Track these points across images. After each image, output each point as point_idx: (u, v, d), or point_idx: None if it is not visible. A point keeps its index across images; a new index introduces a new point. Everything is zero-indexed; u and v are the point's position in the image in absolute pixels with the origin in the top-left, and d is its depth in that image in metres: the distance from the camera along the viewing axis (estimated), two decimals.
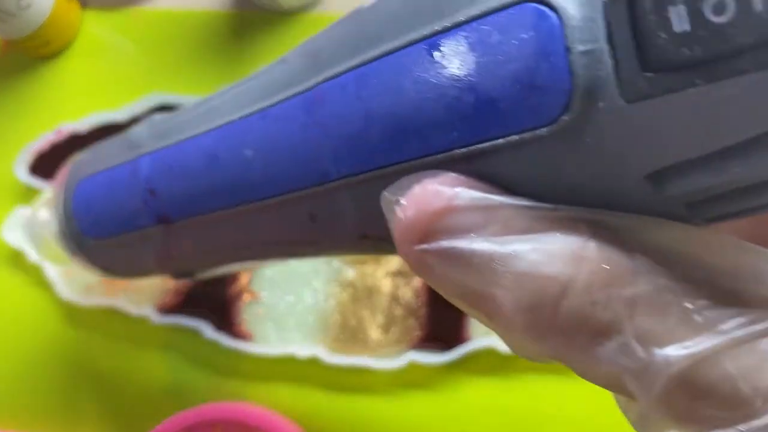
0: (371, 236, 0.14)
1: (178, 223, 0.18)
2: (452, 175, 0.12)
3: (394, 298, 0.32)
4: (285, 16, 0.36)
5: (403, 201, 0.12)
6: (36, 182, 0.35)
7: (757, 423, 0.10)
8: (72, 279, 0.34)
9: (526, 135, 0.11)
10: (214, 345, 0.33)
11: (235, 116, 0.16)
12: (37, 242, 0.26)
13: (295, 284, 0.33)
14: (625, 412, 0.13)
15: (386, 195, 0.12)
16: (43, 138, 0.35)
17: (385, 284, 0.32)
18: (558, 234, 0.11)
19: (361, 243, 0.15)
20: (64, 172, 0.23)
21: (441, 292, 0.12)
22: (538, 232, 0.11)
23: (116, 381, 0.34)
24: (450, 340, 0.31)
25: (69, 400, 0.34)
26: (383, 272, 0.32)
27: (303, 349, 0.32)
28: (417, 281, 0.32)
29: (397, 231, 0.12)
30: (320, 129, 0.13)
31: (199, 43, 0.36)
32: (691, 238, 0.11)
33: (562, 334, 0.11)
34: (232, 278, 0.33)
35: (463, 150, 0.11)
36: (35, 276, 0.35)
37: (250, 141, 0.15)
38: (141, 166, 0.18)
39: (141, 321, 0.33)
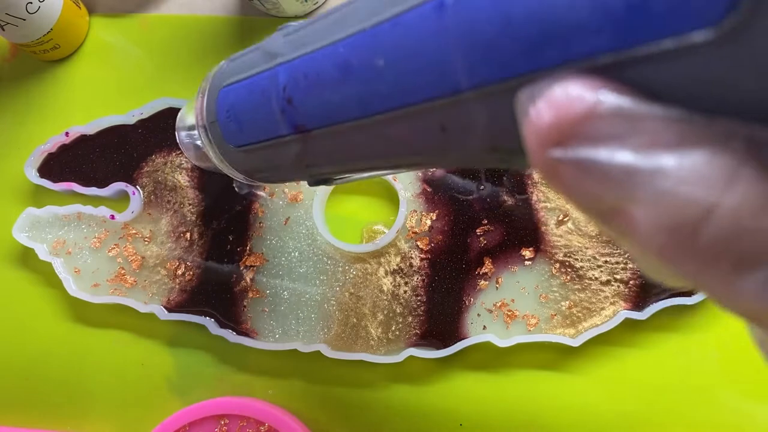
0: (502, 149, 0.14)
1: (313, 133, 0.18)
2: (597, 79, 0.10)
3: (394, 297, 0.33)
4: (289, 21, 0.37)
5: (540, 103, 0.11)
6: (45, 183, 0.35)
7: None
8: (81, 277, 0.35)
9: (684, 39, 0.09)
10: (219, 341, 0.34)
11: (367, 24, 0.15)
12: (186, 146, 0.27)
13: (298, 283, 0.33)
14: (761, 345, 0.12)
15: (522, 97, 0.11)
16: (51, 140, 0.35)
17: (386, 283, 0.33)
18: (709, 151, 0.10)
19: (490, 155, 0.14)
20: (207, 78, 0.23)
21: (572, 203, 0.11)
22: (687, 148, 0.10)
23: (124, 376, 0.35)
24: (447, 337, 0.32)
25: (77, 395, 0.35)
26: (384, 271, 0.33)
27: (306, 345, 0.33)
28: (417, 280, 0.33)
29: (530, 135, 0.11)
30: (454, 35, 0.13)
31: (204, 48, 0.37)
32: None
33: (703, 260, 0.10)
34: (237, 277, 0.34)
35: (611, 56, 0.10)
36: (45, 274, 0.36)
37: (381, 50, 0.15)
38: (279, 75, 0.18)
39: (148, 318, 0.34)
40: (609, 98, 0.10)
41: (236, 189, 0.34)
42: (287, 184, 0.34)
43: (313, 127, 0.18)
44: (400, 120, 0.15)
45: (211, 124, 0.22)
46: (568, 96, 0.10)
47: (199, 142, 0.24)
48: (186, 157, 0.35)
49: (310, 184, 0.22)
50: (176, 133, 0.28)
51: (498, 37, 0.12)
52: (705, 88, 0.10)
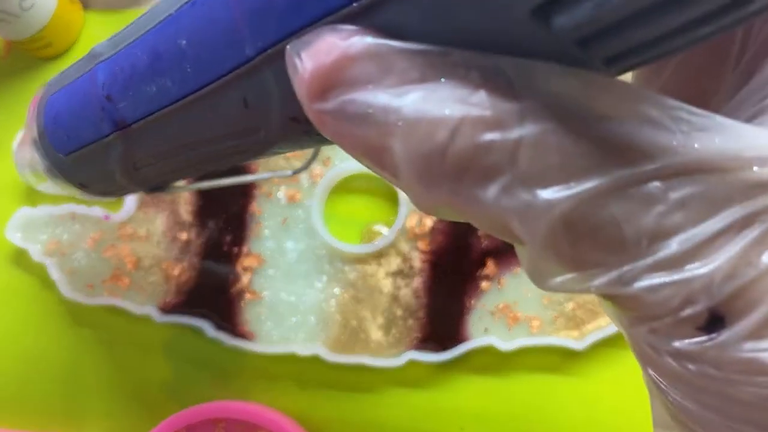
0: (300, 119, 0.14)
1: (133, 126, 0.18)
2: (350, 27, 0.11)
3: (395, 299, 0.32)
4: None
5: (302, 55, 0.11)
6: None
7: (641, 263, 0.10)
8: (76, 278, 0.34)
9: None
10: (215, 344, 0.33)
11: (173, 9, 0.16)
12: (22, 169, 0.26)
13: (296, 285, 0.33)
14: (521, 260, 0.13)
15: (289, 53, 0.12)
16: None
17: (386, 285, 0.32)
18: (448, 81, 0.11)
19: (293, 128, 0.15)
20: (38, 94, 0.23)
21: (347, 151, 0.12)
22: (430, 81, 0.11)
23: (119, 379, 0.35)
24: (449, 340, 0.32)
25: (72, 399, 0.35)
26: (384, 273, 0.32)
27: (304, 348, 0.32)
28: (417, 282, 0.32)
29: (298, 88, 0.12)
30: (237, 5, 0.14)
31: None
32: (586, 85, 0.11)
33: (450, 179, 0.11)
34: (234, 278, 0.33)
35: (359, 4, 0.11)
36: (39, 275, 0.35)
37: (182, 30, 0.15)
38: (98, 74, 0.18)
39: (143, 320, 0.34)
40: (358, 42, 0.11)
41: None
42: (286, 183, 0.34)
43: (132, 120, 0.18)
44: (207, 99, 0.16)
45: (41, 136, 0.22)
46: (324, 44, 0.11)
47: (33, 160, 0.24)
48: None
49: (146, 192, 0.22)
50: (14, 158, 0.27)
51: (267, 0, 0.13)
52: (439, 23, 0.11)
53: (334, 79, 0.11)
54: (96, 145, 0.20)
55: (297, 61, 0.12)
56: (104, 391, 0.35)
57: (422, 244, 0.32)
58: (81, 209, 0.34)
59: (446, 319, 0.32)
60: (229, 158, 0.19)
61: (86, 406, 0.35)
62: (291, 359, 0.33)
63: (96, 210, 0.34)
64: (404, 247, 0.32)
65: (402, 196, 0.33)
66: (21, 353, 0.35)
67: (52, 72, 0.37)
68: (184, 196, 0.34)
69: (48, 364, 0.35)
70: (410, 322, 0.32)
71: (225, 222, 0.34)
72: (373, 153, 0.12)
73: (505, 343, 0.31)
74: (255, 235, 0.33)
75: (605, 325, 0.31)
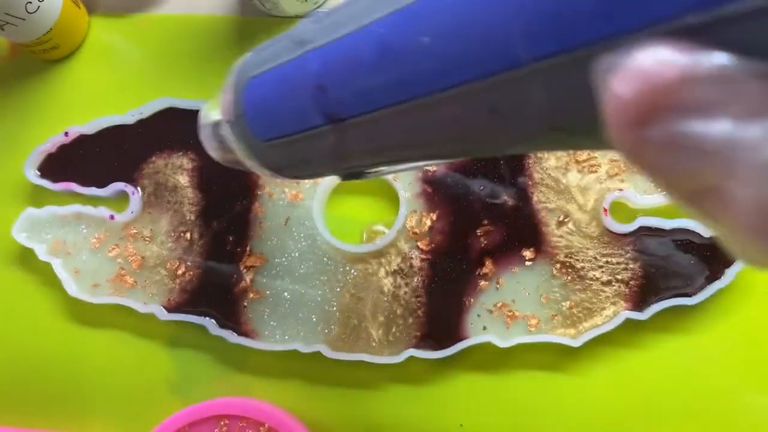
0: (565, 128, 0.13)
1: (348, 122, 0.17)
2: (685, 42, 0.09)
3: (395, 298, 0.33)
4: (289, 21, 0.37)
5: (624, 73, 0.10)
6: (45, 183, 0.35)
7: None
8: (81, 277, 0.35)
9: None
10: (218, 342, 0.34)
11: (409, 0, 0.14)
12: (210, 143, 0.26)
13: (298, 284, 0.33)
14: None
15: (600, 68, 0.10)
16: (51, 140, 0.35)
17: (386, 283, 0.33)
18: None
19: (549, 136, 0.13)
20: (232, 71, 0.22)
21: (657, 183, 0.10)
22: None
23: (123, 377, 0.35)
24: (448, 338, 0.32)
25: (77, 396, 0.35)
26: (384, 272, 0.33)
27: (306, 346, 0.33)
28: (417, 281, 0.33)
29: (613, 111, 0.10)
30: (511, 5, 0.12)
31: (204, 47, 0.37)
32: None
33: None
34: (237, 278, 0.34)
35: (699, 15, 0.09)
36: (45, 274, 0.36)
37: (426, 26, 0.14)
38: (309, 62, 0.17)
39: (148, 319, 0.34)
40: (706, 60, 0.09)
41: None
42: (287, 184, 0.34)
43: (348, 115, 0.17)
44: (446, 103, 0.14)
45: (237, 119, 0.21)
46: (657, 61, 0.09)
47: (224, 139, 0.23)
48: (190, 158, 0.35)
49: (342, 179, 0.21)
50: (199, 131, 0.27)
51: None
52: None
53: (666, 102, 0.09)
54: (301, 135, 0.19)
55: (611, 77, 0.10)
56: (108, 388, 0.35)
57: (422, 244, 0.33)
58: (86, 210, 0.35)
59: (445, 317, 0.32)
60: (445, 156, 0.17)
61: (90, 403, 0.35)
62: (293, 356, 0.33)
63: (101, 210, 0.35)
64: (404, 246, 0.33)
65: (402, 196, 0.33)
66: (26, 351, 0.36)
67: (58, 75, 0.38)
68: (187, 196, 0.35)
69: (53, 362, 0.35)
70: (410, 321, 0.33)
71: (228, 222, 0.34)
72: (700, 194, 0.10)
73: (503, 340, 0.32)
74: (257, 235, 0.34)
75: (601, 323, 0.32)
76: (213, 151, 0.26)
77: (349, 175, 0.21)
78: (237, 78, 0.21)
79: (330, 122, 0.17)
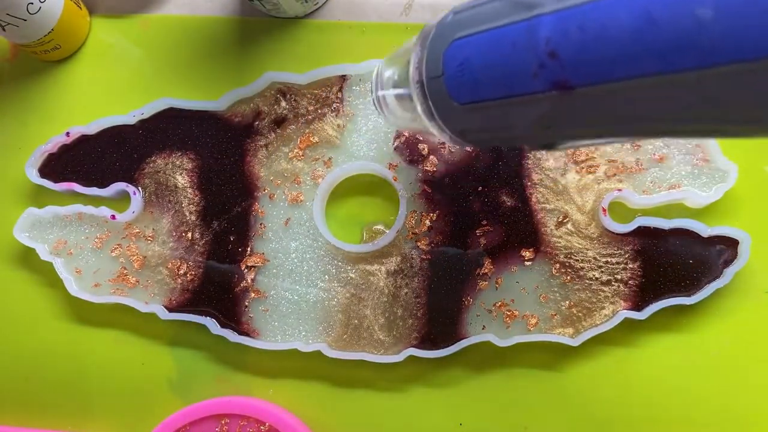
0: None
1: (578, 90, 0.16)
2: None
3: (395, 298, 0.33)
4: (289, 22, 0.37)
5: None
6: (46, 183, 0.35)
7: None
8: (83, 277, 0.35)
9: None
10: (219, 341, 0.34)
11: None
12: (382, 103, 0.26)
13: (299, 284, 0.33)
14: None
15: None
16: (52, 140, 0.35)
17: (387, 284, 0.33)
18: None
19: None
20: (424, 32, 0.22)
21: None
22: None
23: (124, 376, 0.35)
24: (447, 338, 0.32)
25: (78, 395, 0.35)
26: (384, 272, 0.33)
27: (306, 344, 0.33)
28: (417, 281, 0.33)
29: None
30: None
31: (205, 48, 0.37)
32: None
33: None
34: (239, 277, 0.34)
35: None
36: (46, 274, 0.36)
37: None
38: (540, 27, 0.17)
39: (149, 318, 0.34)
40: None
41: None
42: (287, 184, 0.34)
43: (581, 83, 0.16)
44: (709, 80, 0.13)
45: (431, 80, 0.21)
46: None
47: (403, 99, 0.23)
48: (190, 157, 0.35)
49: (531, 149, 0.21)
50: (372, 92, 0.27)
51: None
52: None
53: None
54: (513, 99, 0.18)
55: None
56: (109, 387, 0.35)
57: (422, 244, 0.33)
58: (88, 209, 0.35)
59: (445, 317, 0.33)
60: (673, 134, 0.17)
61: (91, 402, 0.35)
62: (293, 356, 0.33)
63: (102, 210, 0.35)
64: (404, 246, 0.33)
65: (402, 196, 0.33)
66: (27, 351, 0.36)
67: (59, 75, 0.38)
68: (188, 196, 0.35)
69: (54, 362, 0.36)
70: (410, 321, 0.33)
71: (229, 222, 0.34)
72: None
73: (502, 340, 0.32)
74: (258, 235, 0.34)
75: (599, 322, 0.32)
76: (387, 112, 0.26)
77: (543, 145, 0.20)
78: (433, 39, 0.21)
79: (555, 89, 0.17)
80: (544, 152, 0.32)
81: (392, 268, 0.33)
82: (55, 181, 0.35)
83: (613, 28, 0.15)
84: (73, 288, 0.34)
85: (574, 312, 0.32)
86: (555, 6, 0.17)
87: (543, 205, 0.33)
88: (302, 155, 0.34)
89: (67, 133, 0.36)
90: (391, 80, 0.26)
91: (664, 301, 0.31)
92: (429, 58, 0.21)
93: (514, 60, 0.18)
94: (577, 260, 0.32)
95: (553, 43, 0.16)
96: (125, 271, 0.34)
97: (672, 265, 0.32)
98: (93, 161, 0.36)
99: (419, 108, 0.22)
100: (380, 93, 0.26)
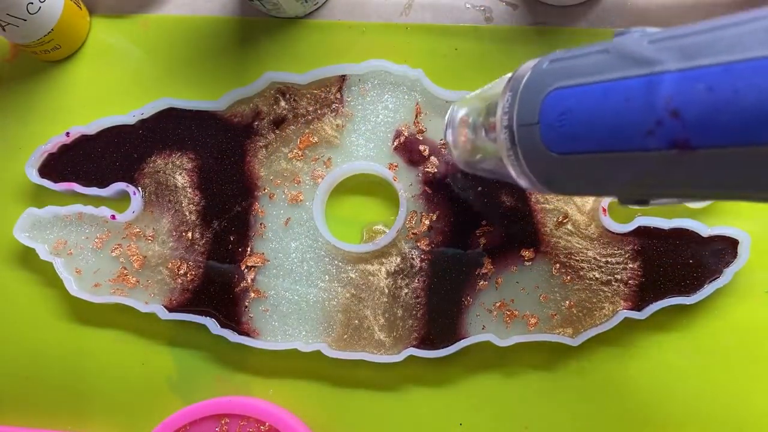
0: None
1: (699, 152, 0.16)
2: None
3: (395, 299, 0.33)
4: (289, 22, 0.37)
5: None
6: (46, 183, 0.35)
7: None
8: (83, 277, 0.35)
9: None
10: (219, 341, 0.34)
11: None
12: (460, 146, 0.26)
13: (299, 284, 0.34)
14: None
15: None
16: (52, 140, 0.36)
17: (387, 284, 0.33)
18: None
19: None
20: (516, 76, 0.22)
21: None
22: None
23: (124, 376, 0.35)
24: (447, 338, 0.32)
25: (78, 395, 0.35)
26: (384, 272, 0.33)
27: (306, 344, 0.33)
28: (417, 281, 0.33)
29: None
30: None
31: (205, 48, 0.37)
32: None
33: None
34: (239, 277, 0.34)
35: None
36: (46, 274, 0.36)
37: None
38: (661, 84, 0.16)
39: (149, 318, 0.34)
40: None
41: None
42: (287, 184, 0.34)
43: (704, 145, 0.16)
44: None
45: (523, 127, 0.21)
46: None
47: (482, 140, 0.23)
48: (190, 157, 0.35)
49: (622, 203, 0.20)
50: (447, 131, 0.27)
51: None
52: None
53: None
54: (620, 154, 0.18)
55: None
56: (109, 387, 0.35)
57: (422, 244, 0.33)
58: (88, 209, 0.35)
59: (445, 317, 0.33)
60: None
61: (91, 402, 0.35)
62: (293, 356, 0.33)
63: (102, 210, 0.35)
64: (404, 246, 0.33)
65: (402, 196, 0.33)
66: (27, 351, 0.36)
67: (59, 75, 0.38)
68: (188, 196, 0.35)
69: (54, 362, 0.36)
70: (410, 322, 0.33)
71: (229, 222, 0.34)
72: None
73: (502, 339, 0.32)
74: (258, 235, 0.34)
75: (599, 322, 0.32)
76: (460, 153, 0.26)
77: (636, 201, 0.20)
78: (527, 85, 0.21)
79: (672, 147, 0.16)
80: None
81: (392, 268, 0.33)
82: (55, 181, 0.35)
83: (750, 93, 0.15)
84: (73, 288, 0.34)
85: (574, 312, 0.32)
86: (679, 65, 0.16)
87: (543, 205, 0.33)
88: (302, 155, 0.34)
89: (67, 133, 0.36)
90: (467, 121, 0.26)
91: (664, 301, 0.31)
92: (522, 104, 0.21)
93: (627, 115, 0.17)
94: (577, 260, 0.32)
95: (675, 102, 0.16)
96: (125, 271, 0.34)
97: (672, 264, 0.32)
98: (93, 161, 0.36)
99: (504, 153, 0.22)
100: (458, 133, 0.26)
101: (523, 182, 0.23)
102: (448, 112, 0.28)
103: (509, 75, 0.23)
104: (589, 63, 0.19)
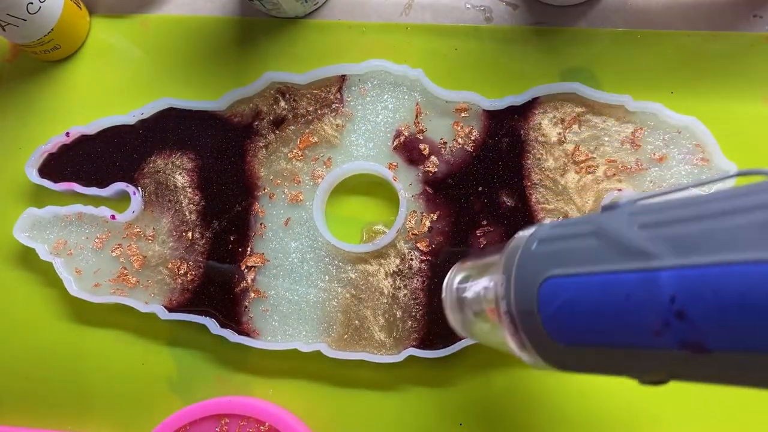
0: None
1: (714, 354, 0.15)
2: None
3: (395, 300, 0.33)
4: (289, 22, 0.37)
5: None
6: (46, 183, 0.35)
7: None
8: (83, 277, 0.35)
9: None
10: (219, 341, 0.34)
11: None
12: (463, 322, 0.25)
13: (299, 284, 0.34)
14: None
15: None
16: (52, 140, 0.36)
17: (386, 285, 0.33)
18: None
19: None
20: (507, 255, 0.21)
21: None
22: None
23: (124, 376, 0.35)
24: (447, 338, 0.32)
25: (77, 395, 0.35)
26: (384, 272, 0.33)
27: (306, 344, 0.33)
28: (417, 282, 0.33)
29: None
30: None
31: (205, 48, 0.37)
32: None
33: None
34: (239, 277, 0.34)
35: None
36: (46, 274, 0.36)
37: None
38: (660, 283, 0.16)
39: (149, 318, 0.34)
40: None
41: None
42: (287, 184, 0.34)
43: (720, 348, 0.15)
44: None
45: (523, 313, 0.20)
46: None
47: (480, 317, 0.22)
48: (190, 157, 0.35)
49: (642, 383, 0.19)
50: (445, 300, 0.26)
51: None
52: None
53: None
54: (629, 351, 0.17)
55: None
56: (109, 388, 0.35)
57: (422, 245, 0.33)
58: (88, 209, 0.35)
59: (445, 318, 0.32)
60: None
61: (91, 402, 0.35)
62: (293, 356, 0.33)
63: (102, 210, 0.35)
64: (404, 247, 0.33)
65: (402, 196, 0.33)
66: (27, 351, 0.36)
67: (59, 75, 0.38)
68: (188, 196, 0.35)
69: (54, 362, 0.36)
70: (410, 323, 0.33)
71: (229, 222, 0.34)
72: None
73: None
74: (258, 235, 0.34)
75: None
76: (458, 325, 0.25)
77: (654, 381, 0.19)
78: (519, 268, 0.20)
79: (684, 349, 0.16)
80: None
81: (392, 269, 0.33)
82: (55, 181, 0.35)
83: (758, 298, 0.14)
84: (73, 288, 0.34)
85: None
86: (676, 261, 0.15)
87: (543, 206, 0.33)
88: (302, 155, 0.34)
89: (67, 133, 0.36)
90: (468, 293, 0.25)
91: None
92: (518, 290, 0.20)
93: (630, 313, 0.16)
94: None
95: (680, 303, 0.15)
96: (125, 271, 0.34)
97: None
98: (93, 161, 0.36)
99: (508, 338, 0.21)
100: (451, 306, 0.26)
101: (533, 363, 0.22)
102: (447, 275, 0.27)
103: (501, 252, 0.22)
104: (580, 249, 0.18)
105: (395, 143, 0.34)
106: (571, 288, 0.18)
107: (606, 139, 0.33)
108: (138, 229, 0.35)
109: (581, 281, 0.18)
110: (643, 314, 0.16)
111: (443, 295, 0.27)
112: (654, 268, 0.16)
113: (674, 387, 0.32)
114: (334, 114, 0.34)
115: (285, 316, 0.33)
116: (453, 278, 0.26)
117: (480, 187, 0.33)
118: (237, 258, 0.34)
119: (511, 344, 0.21)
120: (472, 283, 0.24)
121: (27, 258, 0.36)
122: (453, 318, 0.26)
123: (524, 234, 0.21)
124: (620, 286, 0.17)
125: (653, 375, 0.18)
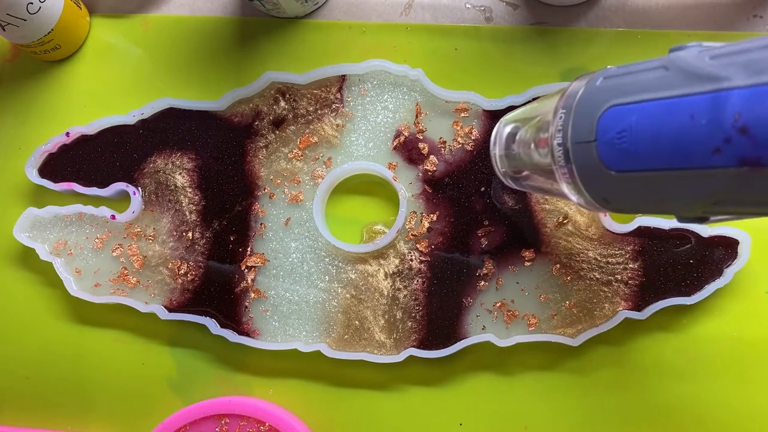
0: None
1: None
2: None
3: (394, 300, 0.33)
4: (289, 22, 0.37)
5: None
6: (46, 183, 0.35)
7: None
8: (83, 277, 0.35)
9: None
10: (219, 341, 0.34)
11: None
12: (509, 164, 0.26)
13: (299, 284, 0.34)
14: None
15: None
16: (52, 140, 0.36)
17: (386, 286, 0.33)
18: None
19: None
20: (570, 93, 0.21)
21: None
22: None
23: (124, 376, 0.35)
24: (447, 337, 0.32)
25: (77, 395, 0.35)
26: (383, 273, 0.33)
27: (306, 345, 0.33)
28: (416, 283, 0.33)
29: None
30: None
31: (205, 48, 0.37)
32: None
33: None
34: (239, 277, 0.34)
35: None
36: (46, 274, 0.36)
37: None
38: (728, 101, 0.16)
39: (149, 317, 0.34)
40: None
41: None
42: (287, 184, 0.34)
43: None
44: None
45: (579, 144, 0.20)
46: None
47: (529, 156, 0.23)
48: (190, 157, 0.35)
49: (680, 221, 0.20)
50: (494, 146, 0.27)
51: None
52: None
53: None
54: (685, 172, 0.18)
55: None
56: (109, 387, 0.35)
57: (421, 246, 0.33)
58: (88, 209, 0.35)
59: (444, 318, 0.33)
60: None
61: (91, 402, 0.35)
62: (293, 356, 0.33)
63: (102, 210, 0.35)
64: (403, 248, 0.33)
65: (402, 196, 0.33)
66: (28, 351, 0.36)
67: (59, 75, 0.38)
68: (188, 196, 0.35)
69: (54, 362, 0.36)
70: (410, 324, 0.33)
71: (229, 222, 0.34)
72: None
73: (502, 340, 0.32)
74: (258, 235, 0.34)
75: (599, 323, 0.32)
76: (507, 171, 0.26)
77: (696, 218, 0.19)
78: (581, 102, 0.21)
79: (741, 165, 0.16)
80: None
81: (391, 270, 0.33)
82: (55, 181, 0.35)
83: None
84: (73, 288, 0.34)
85: (574, 312, 0.32)
86: (747, 81, 0.16)
87: (543, 206, 0.33)
88: (302, 155, 0.34)
89: (67, 133, 0.36)
90: (515, 138, 0.25)
91: (664, 301, 0.31)
92: (576, 121, 0.21)
93: (692, 132, 0.17)
94: (578, 261, 0.32)
95: (744, 119, 0.16)
96: (125, 271, 0.34)
97: (672, 265, 0.32)
98: (93, 161, 0.36)
99: (557, 171, 0.22)
100: (500, 149, 0.26)
101: (575, 199, 0.22)
102: (495, 127, 0.28)
103: (558, 89, 0.23)
104: (648, 79, 0.19)
105: (395, 143, 0.34)
106: (634, 113, 0.19)
107: None
108: (138, 229, 0.35)
109: (646, 107, 0.18)
110: (706, 132, 0.17)
111: (492, 147, 0.28)
112: (724, 88, 0.16)
113: (679, 396, 0.32)
114: (334, 114, 0.34)
115: (285, 317, 0.33)
116: (504, 126, 0.27)
117: (482, 188, 0.33)
118: (237, 258, 0.34)
119: (559, 177, 0.22)
120: (522, 128, 0.25)
121: (27, 258, 0.36)
122: (501, 164, 0.27)
123: (580, 82, 0.22)
124: (686, 107, 0.17)
125: (697, 208, 0.18)
